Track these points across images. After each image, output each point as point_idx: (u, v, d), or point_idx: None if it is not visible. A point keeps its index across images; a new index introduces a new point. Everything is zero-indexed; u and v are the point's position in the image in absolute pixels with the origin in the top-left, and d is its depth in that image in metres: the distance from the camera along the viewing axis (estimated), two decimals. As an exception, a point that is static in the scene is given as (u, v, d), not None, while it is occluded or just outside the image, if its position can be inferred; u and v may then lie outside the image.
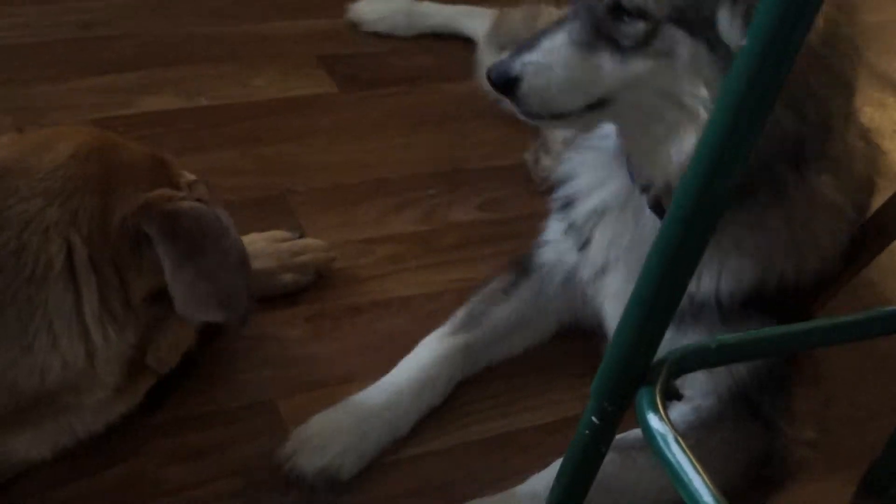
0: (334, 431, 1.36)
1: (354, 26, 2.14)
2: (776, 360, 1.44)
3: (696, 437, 1.34)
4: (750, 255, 1.34)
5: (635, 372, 1.03)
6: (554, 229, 1.56)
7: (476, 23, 2.16)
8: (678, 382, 1.06)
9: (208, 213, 1.19)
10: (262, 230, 1.60)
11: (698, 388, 1.41)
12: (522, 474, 1.34)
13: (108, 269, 1.14)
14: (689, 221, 0.93)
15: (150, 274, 1.17)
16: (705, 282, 1.35)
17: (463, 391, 1.46)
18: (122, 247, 1.15)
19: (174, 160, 1.29)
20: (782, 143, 1.22)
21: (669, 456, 0.99)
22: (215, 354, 1.45)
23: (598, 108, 1.28)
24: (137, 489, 1.30)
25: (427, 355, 1.46)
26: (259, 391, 1.44)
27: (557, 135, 1.82)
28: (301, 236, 1.62)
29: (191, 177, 1.28)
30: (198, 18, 2.18)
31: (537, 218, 1.73)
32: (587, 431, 1.10)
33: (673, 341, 1.15)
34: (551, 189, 1.61)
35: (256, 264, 1.53)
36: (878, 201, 1.54)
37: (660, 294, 0.98)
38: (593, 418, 1.09)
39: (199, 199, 1.22)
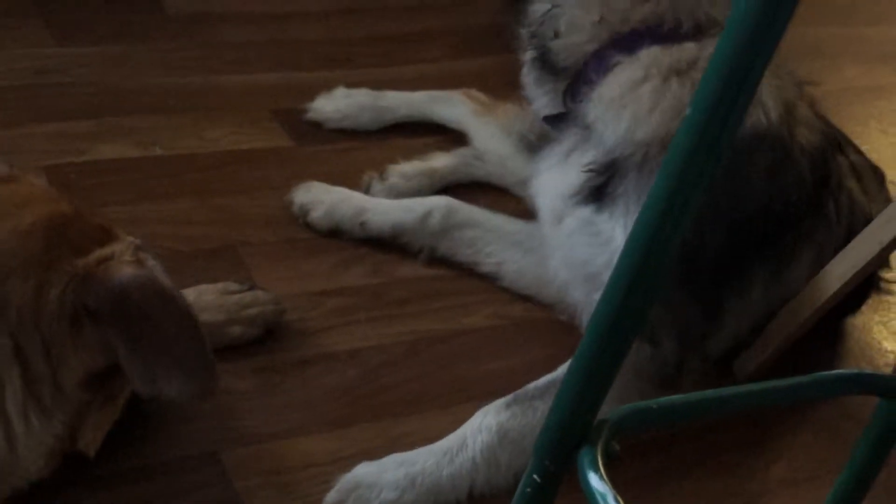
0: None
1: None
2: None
3: None
4: None
5: (577, 433, 1.04)
6: None
7: (445, 110, 2.12)
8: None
9: (153, 279, 1.17)
10: (212, 281, 1.60)
11: None
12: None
13: (37, 356, 1.12)
14: (624, 304, 0.95)
15: (90, 351, 1.15)
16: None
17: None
18: (57, 326, 1.12)
19: (117, 229, 1.27)
20: None
21: (609, 515, 1.00)
22: (160, 405, 1.44)
23: None
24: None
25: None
26: (204, 443, 1.43)
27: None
28: (251, 288, 1.61)
29: (134, 241, 1.24)
30: (154, 69, 2.19)
31: (480, 275, 1.79)
32: (528, 490, 1.11)
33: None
34: None
35: (205, 317, 1.51)
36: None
37: (601, 357, 1.00)
38: (535, 476, 1.09)
39: (139, 261, 1.18)
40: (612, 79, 1.55)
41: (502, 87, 2.08)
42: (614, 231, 1.53)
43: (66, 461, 1.25)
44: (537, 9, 1.65)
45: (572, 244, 1.61)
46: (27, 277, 1.12)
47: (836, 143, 1.70)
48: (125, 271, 1.15)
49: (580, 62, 1.60)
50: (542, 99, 1.71)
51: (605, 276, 1.47)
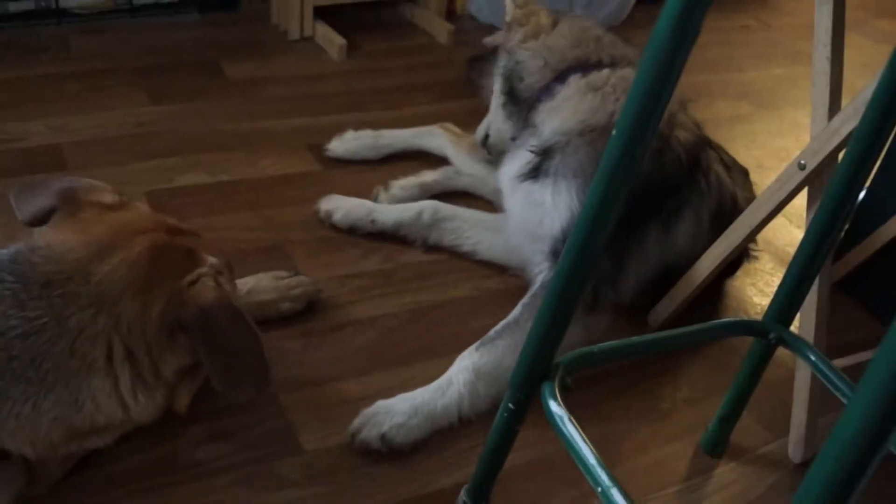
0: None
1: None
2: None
3: (540, 293, 1.49)
4: None
5: (540, 371, 1.01)
6: None
7: (429, 141, 2.07)
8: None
9: (229, 303, 1.15)
10: (267, 270, 1.57)
11: (539, 268, 1.57)
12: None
13: (143, 356, 1.11)
14: (571, 275, 0.93)
15: (181, 353, 1.13)
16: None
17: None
18: (158, 334, 1.11)
19: (200, 247, 1.24)
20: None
21: (565, 430, 0.97)
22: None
23: None
24: (173, 463, 1.26)
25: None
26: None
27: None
28: (296, 274, 1.58)
29: (214, 263, 1.21)
30: (220, 119, 2.15)
31: (463, 260, 1.75)
32: (505, 414, 1.08)
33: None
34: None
35: (263, 297, 1.51)
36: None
37: (556, 316, 0.97)
38: (510, 405, 1.07)
39: (219, 285, 1.16)
40: (554, 98, 1.61)
41: (470, 120, 2.08)
42: (545, 196, 1.55)
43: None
44: (506, 64, 1.74)
45: (520, 210, 1.63)
46: (135, 298, 1.09)
47: (707, 141, 1.69)
48: (209, 295, 1.13)
49: (535, 95, 1.65)
50: (509, 125, 1.75)
51: (539, 231, 1.55)
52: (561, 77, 1.62)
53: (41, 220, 1.18)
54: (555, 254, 1.53)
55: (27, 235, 1.18)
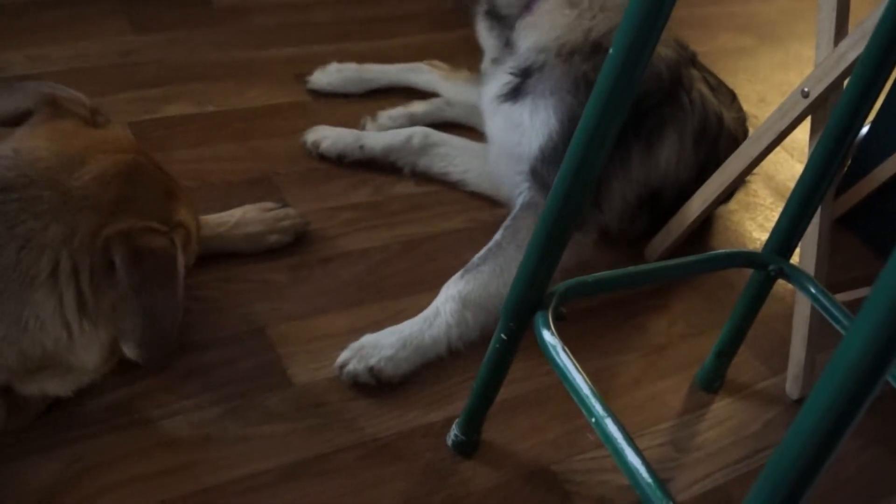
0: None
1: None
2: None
3: (521, 215, 1.50)
4: None
5: (533, 300, 1.00)
6: None
7: (416, 77, 2.03)
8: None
9: (170, 257, 1.07)
10: (254, 202, 1.55)
11: (520, 189, 1.55)
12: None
13: (85, 279, 1.04)
14: (566, 198, 0.91)
15: (115, 290, 1.06)
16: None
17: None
18: (100, 260, 1.04)
19: (182, 195, 1.18)
20: None
21: (558, 360, 0.96)
22: (216, 293, 1.40)
23: None
24: (158, 397, 1.25)
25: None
26: (254, 322, 1.38)
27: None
28: (284, 206, 1.56)
29: (183, 217, 1.15)
30: (205, 48, 2.11)
31: (455, 191, 1.74)
32: (497, 345, 1.07)
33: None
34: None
35: (250, 229, 1.49)
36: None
37: (549, 243, 0.95)
38: (502, 335, 1.06)
39: (172, 240, 1.09)
40: (532, 13, 1.56)
41: (462, 51, 2.05)
42: (522, 116, 1.54)
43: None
44: None
45: (500, 133, 1.61)
46: (94, 215, 1.04)
47: (690, 58, 1.65)
48: (153, 241, 1.06)
49: (516, 11, 1.60)
50: (490, 42, 1.70)
51: (518, 151, 1.53)
52: None
53: (14, 121, 1.13)
54: (533, 173, 1.52)
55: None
